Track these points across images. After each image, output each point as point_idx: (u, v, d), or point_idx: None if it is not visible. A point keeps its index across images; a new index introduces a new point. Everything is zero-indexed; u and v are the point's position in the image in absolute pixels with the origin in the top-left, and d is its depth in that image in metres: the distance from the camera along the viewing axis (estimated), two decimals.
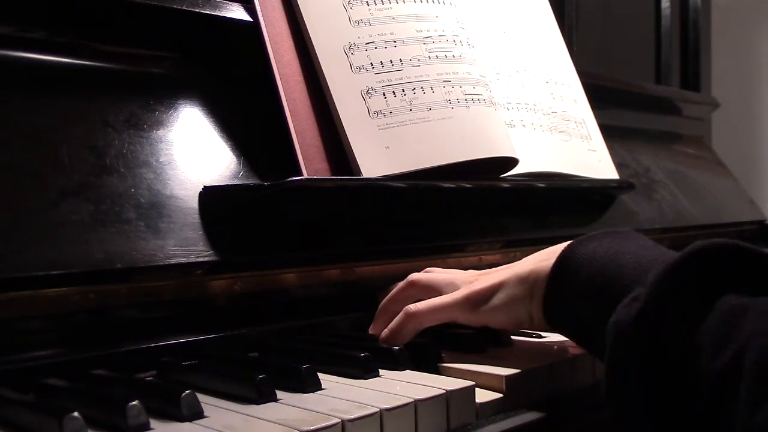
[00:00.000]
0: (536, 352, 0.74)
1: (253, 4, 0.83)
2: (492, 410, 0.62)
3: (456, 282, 0.74)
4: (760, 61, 2.55)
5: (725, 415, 0.48)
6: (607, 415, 0.68)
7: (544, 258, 0.67)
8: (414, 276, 0.78)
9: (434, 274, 0.78)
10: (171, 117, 0.78)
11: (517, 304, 0.68)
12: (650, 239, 0.65)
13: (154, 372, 0.67)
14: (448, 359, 0.69)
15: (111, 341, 0.67)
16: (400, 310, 0.73)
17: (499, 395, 0.63)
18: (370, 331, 0.78)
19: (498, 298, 0.70)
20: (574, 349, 0.72)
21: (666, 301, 0.53)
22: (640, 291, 0.55)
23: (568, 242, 0.66)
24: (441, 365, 0.68)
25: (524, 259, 0.72)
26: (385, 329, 0.73)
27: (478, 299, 0.71)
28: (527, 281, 0.68)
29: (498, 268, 0.74)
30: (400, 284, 0.79)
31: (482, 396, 0.62)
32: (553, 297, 0.65)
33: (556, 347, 0.75)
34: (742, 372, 0.47)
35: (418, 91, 0.87)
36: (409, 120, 0.86)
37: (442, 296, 0.73)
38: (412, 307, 0.72)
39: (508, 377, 0.64)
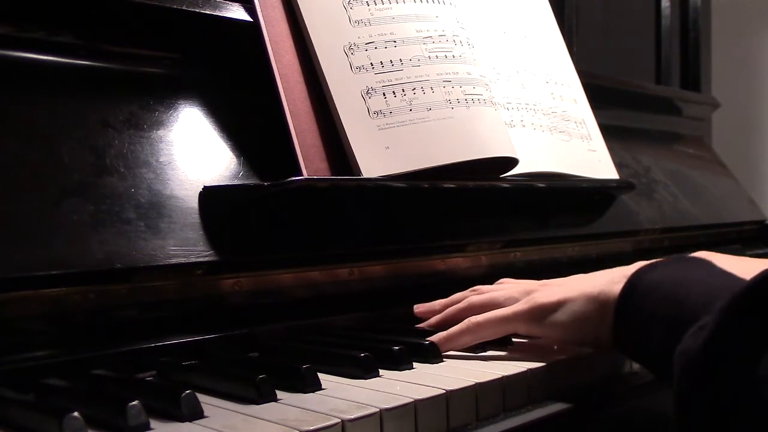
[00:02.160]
0: (538, 351, 0.74)
1: (253, 4, 0.83)
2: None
3: (514, 296, 0.75)
4: (760, 61, 2.55)
5: None
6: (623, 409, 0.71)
7: (614, 280, 0.68)
8: (471, 299, 0.78)
9: (490, 294, 0.78)
10: (171, 117, 0.78)
11: (584, 323, 0.69)
12: (717, 267, 0.65)
13: (154, 372, 0.67)
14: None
15: (111, 341, 0.67)
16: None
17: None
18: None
19: (564, 314, 0.70)
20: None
21: (733, 330, 0.52)
22: (707, 320, 0.54)
23: (637, 266, 0.67)
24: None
25: (589, 276, 0.73)
26: (441, 333, 0.73)
27: (543, 312, 0.71)
28: (596, 302, 0.68)
29: (559, 281, 0.75)
30: (457, 306, 0.78)
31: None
32: (621, 321, 0.66)
33: (556, 347, 0.75)
34: None
35: (418, 91, 0.87)
36: (409, 120, 0.86)
37: (504, 308, 0.73)
38: (475, 318, 0.73)
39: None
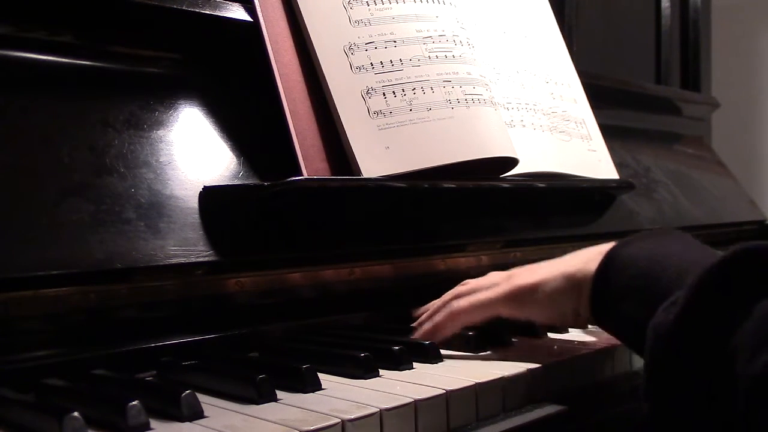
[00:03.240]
0: (538, 350, 0.74)
1: (253, 4, 0.83)
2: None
3: (496, 281, 0.76)
4: (760, 61, 2.55)
5: (763, 419, 0.48)
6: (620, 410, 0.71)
7: (591, 258, 0.69)
8: (458, 289, 0.78)
9: (473, 283, 0.78)
10: (171, 117, 0.78)
11: (563, 300, 0.70)
12: (695, 241, 0.66)
13: (154, 372, 0.67)
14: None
15: (111, 341, 0.67)
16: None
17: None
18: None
19: (544, 294, 0.71)
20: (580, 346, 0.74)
21: (703, 305, 0.53)
22: (679, 294, 0.55)
23: (614, 242, 0.68)
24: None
25: (568, 256, 0.73)
26: (428, 323, 0.74)
27: (523, 294, 0.72)
28: (574, 279, 0.69)
29: (539, 264, 0.75)
30: (443, 298, 0.78)
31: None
32: (598, 296, 0.67)
33: (556, 347, 0.75)
34: None
35: (418, 91, 0.87)
36: (409, 120, 0.86)
37: (484, 292, 0.74)
38: (455, 303, 0.74)
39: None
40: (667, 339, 0.54)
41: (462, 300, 0.74)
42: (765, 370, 0.48)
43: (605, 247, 0.68)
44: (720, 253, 0.58)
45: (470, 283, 0.80)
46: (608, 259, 0.66)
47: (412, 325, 0.80)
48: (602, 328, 0.69)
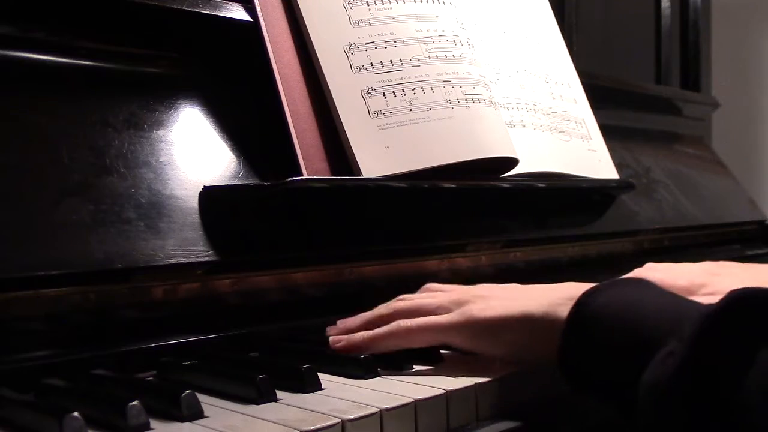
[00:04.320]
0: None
1: (253, 4, 0.83)
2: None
3: (445, 305, 0.69)
4: (760, 61, 2.55)
5: None
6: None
7: (558, 301, 0.63)
8: (397, 305, 0.72)
9: (418, 300, 0.72)
10: (171, 117, 0.78)
11: (526, 346, 0.65)
12: (661, 288, 0.63)
13: (154, 372, 0.67)
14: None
15: (111, 341, 0.67)
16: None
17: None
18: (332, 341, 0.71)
19: (505, 335, 0.66)
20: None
21: (706, 355, 0.50)
22: (675, 345, 0.52)
23: (583, 287, 0.63)
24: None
25: (526, 291, 0.69)
26: (366, 332, 0.68)
27: (481, 328, 0.66)
28: (538, 325, 0.64)
29: (495, 291, 0.70)
30: (381, 311, 0.72)
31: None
32: (569, 348, 0.61)
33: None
34: None
35: (418, 91, 0.87)
36: (409, 120, 0.86)
37: (438, 316, 0.68)
38: (404, 323, 0.67)
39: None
40: (667, 394, 0.51)
41: (411, 321, 0.67)
42: None
43: (569, 290, 0.64)
44: (700, 303, 0.56)
45: (408, 298, 0.74)
46: (579, 308, 0.61)
47: (337, 322, 0.74)
48: (566, 380, 0.63)
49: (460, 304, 0.69)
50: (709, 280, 0.92)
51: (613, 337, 0.58)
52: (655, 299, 0.60)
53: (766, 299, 0.52)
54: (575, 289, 0.63)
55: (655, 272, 0.97)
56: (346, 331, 0.72)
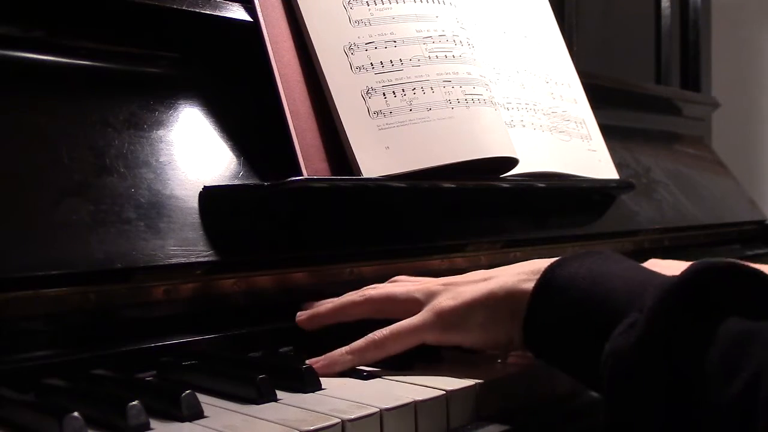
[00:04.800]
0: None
1: (253, 4, 0.83)
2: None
3: (414, 294, 0.69)
4: (760, 61, 2.55)
5: None
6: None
7: (523, 277, 0.64)
8: (368, 292, 0.72)
9: (389, 288, 0.72)
10: (171, 117, 0.78)
11: (495, 325, 0.64)
12: (628, 261, 0.63)
13: (154, 372, 0.67)
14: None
15: (111, 341, 0.67)
16: (345, 323, 0.69)
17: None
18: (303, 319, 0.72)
19: (474, 319, 0.65)
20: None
21: (666, 326, 0.50)
22: (636, 316, 0.52)
23: (547, 262, 0.63)
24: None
25: (497, 272, 0.68)
26: (341, 349, 0.66)
27: (451, 319, 0.66)
28: (506, 301, 0.64)
29: (464, 278, 0.69)
30: (352, 297, 0.72)
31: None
32: (535, 323, 0.61)
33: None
34: (758, 403, 0.45)
35: (418, 91, 0.87)
36: (409, 120, 0.86)
37: (408, 320, 0.67)
38: (378, 334, 0.66)
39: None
40: (628, 364, 0.51)
41: (385, 330, 0.66)
42: (740, 397, 0.46)
43: (535, 265, 0.63)
44: (664, 275, 0.56)
45: (384, 287, 0.73)
46: (545, 281, 0.61)
47: (299, 313, 0.74)
48: (534, 354, 0.63)
49: (429, 294, 0.68)
50: None
51: (578, 308, 0.58)
52: (621, 271, 0.60)
53: (727, 271, 0.52)
54: (540, 263, 0.63)
55: (657, 269, 0.97)
56: (315, 316, 0.72)
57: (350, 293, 0.73)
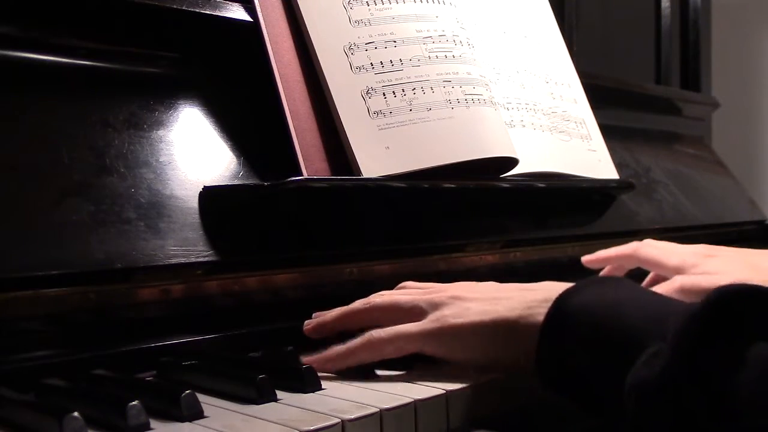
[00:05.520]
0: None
1: (253, 4, 0.83)
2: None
3: (420, 305, 0.67)
4: (760, 61, 2.55)
5: None
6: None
7: (533, 305, 0.62)
8: (373, 300, 0.71)
9: (395, 296, 0.71)
10: (171, 117, 0.78)
11: (499, 351, 0.63)
12: (639, 287, 0.61)
13: (154, 372, 0.67)
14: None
15: (111, 341, 0.67)
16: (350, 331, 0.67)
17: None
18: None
19: (478, 342, 0.64)
20: None
21: (693, 354, 0.49)
22: (660, 345, 0.51)
23: (558, 288, 0.61)
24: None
25: (506, 292, 0.66)
26: (336, 347, 0.66)
27: (454, 335, 0.64)
28: (514, 329, 0.62)
29: (472, 291, 0.68)
30: (357, 305, 0.71)
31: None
32: (548, 350, 0.59)
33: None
34: None
35: (418, 91, 0.87)
36: (409, 120, 0.86)
37: (409, 324, 0.66)
38: (376, 333, 0.65)
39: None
40: (654, 395, 0.49)
41: (383, 331, 0.65)
42: None
43: (548, 291, 0.62)
44: (681, 302, 0.55)
45: (390, 296, 0.72)
46: (557, 309, 0.59)
47: (313, 315, 0.74)
48: (551, 391, 0.61)
49: (434, 306, 0.67)
50: (701, 261, 0.92)
51: (592, 338, 0.56)
52: (635, 298, 0.58)
53: (752, 295, 0.51)
54: (551, 290, 0.62)
55: (651, 248, 0.97)
56: (321, 325, 0.72)
57: (357, 301, 0.72)
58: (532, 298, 0.63)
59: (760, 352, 0.48)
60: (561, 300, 0.60)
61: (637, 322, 0.55)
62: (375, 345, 0.65)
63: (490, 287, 0.70)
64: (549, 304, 0.60)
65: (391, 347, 0.65)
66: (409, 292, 0.72)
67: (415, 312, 0.67)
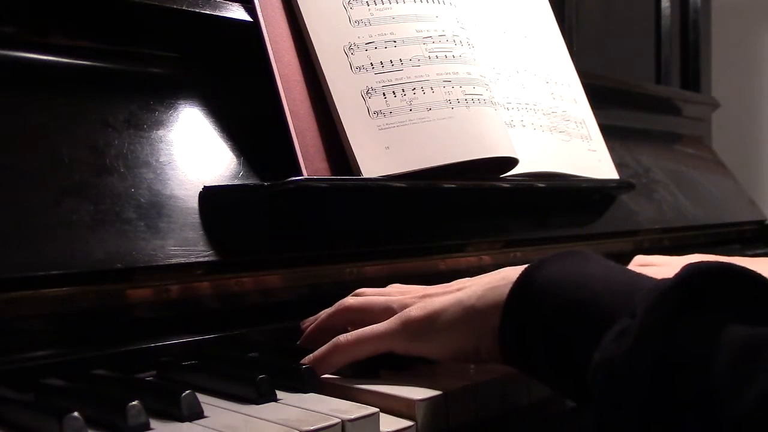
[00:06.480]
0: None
1: (253, 4, 0.83)
2: None
3: (392, 306, 0.67)
4: (760, 62, 2.55)
5: None
6: None
7: (494, 284, 0.60)
8: (345, 301, 0.71)
9: (368, 298, 0.70)
10: (171, 117, 0.78)
11: (461, 335, 0.61)
12: (607, 261, 0.59)
13: (154, 372, 0.67)
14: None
15: (111, 341, 0.67)
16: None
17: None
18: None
19: (438, 328, 0.62)
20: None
21: (662, 333, 0.47)
22: (628, 322, 0.49)
23: (523, 267, 0.59)
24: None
25: (471, 281, 0.65)
26: (308, 357, 0.65)
27: (417, 328, 0.63)
28: (474, 310, 0.61)
29: (443, 288, 0.67)
30: (329, 310, 0.71)
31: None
32: (511, 330, 0.57)
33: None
34: None
35: (418, 91, 0.87)
36: (409, 120, 0.86)
37: (375, 325, 0.65)
38: (342, 338, 0.65)
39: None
40: (622, 373, 0.47)
41: (349, 335, 0.65)
42: (755, 410, 0.43)
43: (510, 271, 0.60)
44: (651, 278, 0.54)
45: (366, 293, 0.72)
46: (520, 286, 0.57)
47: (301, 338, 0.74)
48: (514, 367, 0.60)
49: (404, 306, 0.66)
50: None
51: (558, 314, 0.55)
52: (603, 272, 0.56)
53: (722, 273, 0.49)
54: (511, 271, 0.60)
55: (644, 270, 0.97)
56: (309, 337, 0.72)
57: (334, 305, 0.72)
58: (492, 278, 0.62)
59: (732, 334, 0.46)
60: (525, 275, 0.58)
61: (604, 297, 0.53)
62: (342, 348, 0.64)
63: (462, 280, 0.68)
64: (507, 282, 0.59)
65: (359, 349, 0.64)
66: (387, 293, 0.71)
67: (386, 314, 0.67)
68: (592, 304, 0.53)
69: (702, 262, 0.50)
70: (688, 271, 0.49)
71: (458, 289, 0.65)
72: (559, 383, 0.57)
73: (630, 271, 0.58)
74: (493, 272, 0.64)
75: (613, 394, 0.48)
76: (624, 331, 0.49)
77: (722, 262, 0.50)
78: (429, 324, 0.63)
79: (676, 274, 0.49)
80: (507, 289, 0.58)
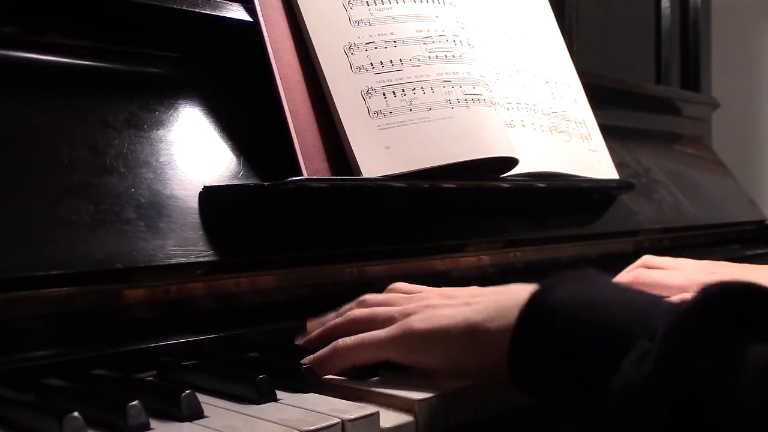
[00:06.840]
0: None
1: (253, 4, 0.83)
2: None
3: (395, 316, 0.66)
4: (760, 62, 2.55)
5: None
6: None
7: (502, 303, 0.59)
8: (352, 313, 0.70)
9: (372, 309, 0.69)
10: (171, 117, 0.78)
11: (464, 353, 0.61)
12: (616, 283, 0.59)
13: (154, 372, 0.67)
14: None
15: (111, 341, 0.67)
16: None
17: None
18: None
19: (441, 344, 0.61)
20: None
21: (683, 355, 0.46)
22: (646, 346, 0.48)
23: (531, 286, 0.58)
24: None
25: (477, 295, 0.64)
26: (308, 358, 0.65)
27: (419, 341, 0.62)
28: (481, 330, 0.59)
29: (448, 298, 0.66)
30: (336, 321, 0.70)
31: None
32: (521, 352, 0.56)
33: None
34: None
35: (418, 91, 0.87)
36: (409, 120, 0.86)
37: (376, 331, 0.64)
38: (342, 341, 0.64)
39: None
40: (643, 399, 0.46)
41: (349, 339, 0.64)
42: None
43: (518, 290, 0.59)
44: (663, 299, 0.53)
45: (369, 302, 0.71)
46: (531, 309, 0.56)
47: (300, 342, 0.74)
48: (520, 390, 0.58)
49: (406, 315, 0.65)
50: (706, 279, 0.92)
51: (571, 338, 0.53)
52: (616, 295, 0.55)
53: (744, 293, 0.48)
54: (521, 289, 0.59)
55: (652, 272, 0.97)
56: (308, 342, 0.71)
57: (341, 313, 0.72)
58: (500, 299, 0.61)
59: (758, 351, 0.45)
60: (535, 298, 0.57)
61: (619, 320, 0.52)
62: (341, 353, 0.64)
63: (468, 292, 0.67)
64: (519, 304, 0.57)
65: (358, 354, 0.64)
66: (395, 300, 0.71)
67: (390, 323, 0.66)
68: (605, 327, 0.52)
69: (722, 282, 0.49)
70: (708, 291, 0.49)
71: (464, 303, 0.64)
72: (569, 410, 0.56)
73: (644, 293, 0.57)
74: (500, 288, 0.64)
75: (631, 419, 0.47)
76: (644, 356, 0.48)
77: (742, 282, 0.49)
78: (432, 338, 0.62)
79: (696, 294, 0.49)
80: (516, 310, 0.57)
